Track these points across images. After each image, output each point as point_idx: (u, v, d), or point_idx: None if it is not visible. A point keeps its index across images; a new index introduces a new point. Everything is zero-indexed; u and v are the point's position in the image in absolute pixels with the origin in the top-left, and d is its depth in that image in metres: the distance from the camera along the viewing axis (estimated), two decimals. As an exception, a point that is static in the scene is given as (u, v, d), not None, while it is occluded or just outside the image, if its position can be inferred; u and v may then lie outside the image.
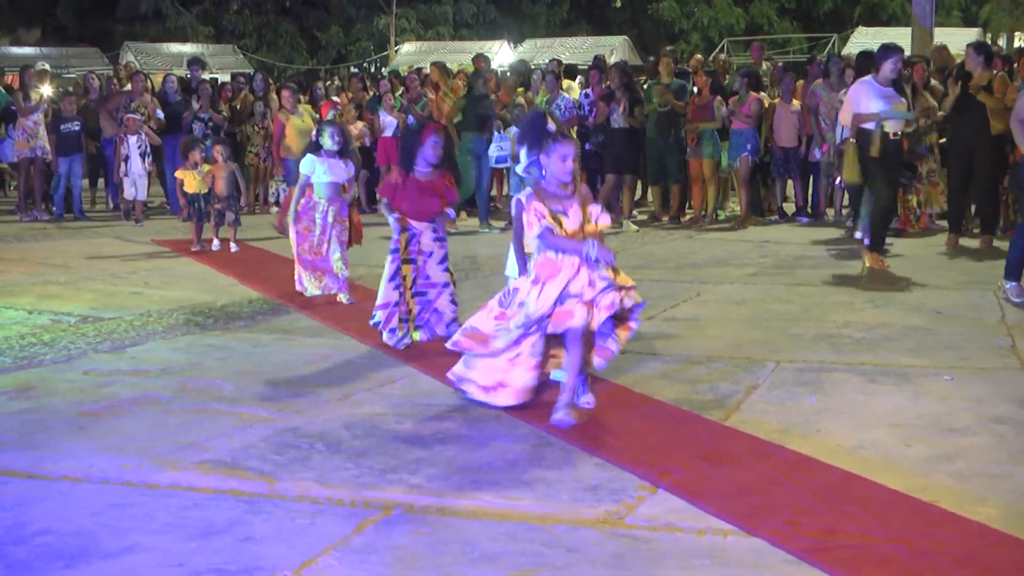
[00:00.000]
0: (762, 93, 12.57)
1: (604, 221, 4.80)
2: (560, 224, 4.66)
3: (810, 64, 13.61)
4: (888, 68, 8.77)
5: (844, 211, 12.45)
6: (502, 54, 28.50)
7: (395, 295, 6.14)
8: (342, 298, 7.60)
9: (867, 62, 10.40)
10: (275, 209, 13.96)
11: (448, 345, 5.13)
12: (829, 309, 7.32)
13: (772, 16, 36.12)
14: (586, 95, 12.96)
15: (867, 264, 8.88)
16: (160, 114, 13.37)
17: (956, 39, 19.35)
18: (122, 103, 13.33)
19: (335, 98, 14.26)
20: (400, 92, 14.43)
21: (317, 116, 13.20)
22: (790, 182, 12.98)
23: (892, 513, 3.68)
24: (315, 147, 7.63)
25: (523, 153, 4.88)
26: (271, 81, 16.23)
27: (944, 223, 10.94)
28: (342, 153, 7.62)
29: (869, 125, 8.70)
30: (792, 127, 12.34)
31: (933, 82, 11.60)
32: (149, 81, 14.16)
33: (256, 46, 34.89)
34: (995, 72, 10.27)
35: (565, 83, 13.45)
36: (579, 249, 4.59)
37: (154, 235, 11.51)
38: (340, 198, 7.69)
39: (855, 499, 3.80)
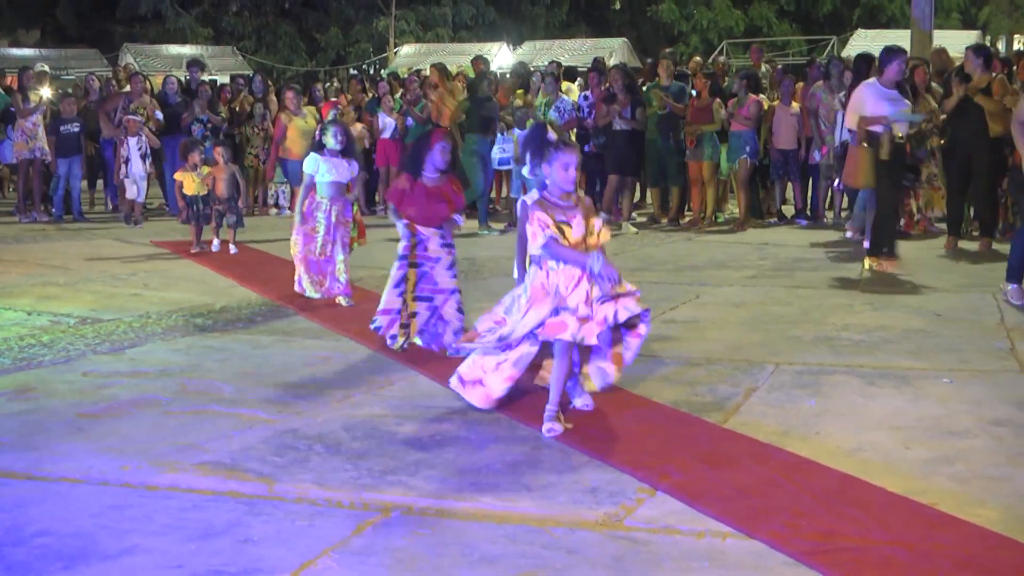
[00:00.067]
0: (761, 95, 12.58)
1: (605, 235, 4.79)
2: (564, 234, 4.65)
3: (810, 66, 13.63)
4: (893, 70, 8.75)
5: (843, 214, 12.46)
6: (501, 56, 28.53)
7: (398, 301, 6.09)
8: (342, 300, 7.59)
9: (865, 64, 10.42)
10: (274, 211, 14.02)
11: (449, 353, 5.13)
12: (828, 311, 7.32)
13: (771, 18, 36.16)
14: (585, 97, 12.98)
15: (867, 267, 8.89)
16: (159, 115, 13.37)
17: (955, 41, 19.35)
18: (120, 104, 13.33)
19: (334, 99, 14.25)
20: (399, 94, 14.45)
21: (319, 117, 13.19)
22: (789, 184, 12.99)
23: (891, 515, 3.68)
24: (318, 146, 7.61)
25: (528, 156, 4.90)
26: (270, 83, 16.22)
27: (943, 226, 10.95)
28: (345, 152, 7.60)
29: (877, 128, 8.68)
30: (791, 129, 12.35)
31: (933, 84, 11.60)
32: (148, 82, 14.15)
33: (255, 48, 34.90)
34: (994, 74, 10.28)
35: (564, 85, 13.47)
36: (583, 262, 4.58)
37: (153, 237, 11.51)
38: (343, 198, 7.65)
39: (854, 501, 3.80)
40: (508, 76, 15.27)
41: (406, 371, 5.78)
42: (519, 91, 13.71)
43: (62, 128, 13.19)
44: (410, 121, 13.61)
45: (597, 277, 4.55)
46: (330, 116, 12.15)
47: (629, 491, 3.94)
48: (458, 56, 26.32)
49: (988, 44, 23.43)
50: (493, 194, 13.93)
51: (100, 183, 14.99)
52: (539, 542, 3.49)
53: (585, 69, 15.94)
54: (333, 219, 7.57)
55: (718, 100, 12.27)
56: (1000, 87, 10.08)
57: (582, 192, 4.89)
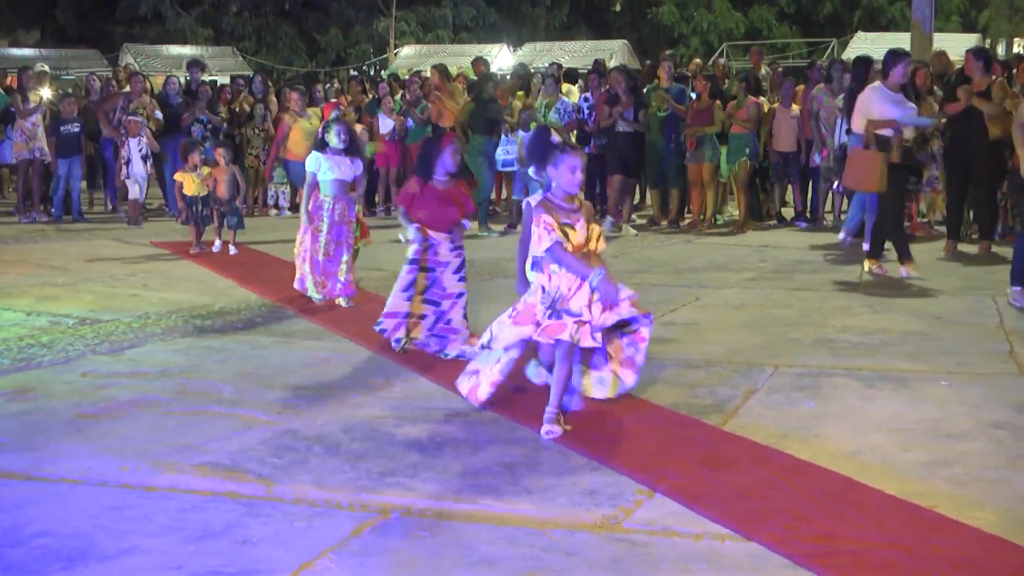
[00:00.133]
0: (761, 98, 12.59)
1: (603, 242, 4.82)
2: (568, 237, 4.65)
3: (811, 69, 13.63)
4: (897, 73, 8.75)
5: (843, 216, 12.46)
6: (501, 57, 28.53)
7: (405, 305, 6.06)
8: (341, 301, 7.58)
9: (863, 66, 10.43)
10: (273, 211, 14.02)
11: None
12: (828, 314, 7.33)
13: (771, 21, 36.19)
14: (585, 99, 12.99)
15: (867, 269, 8.89)
16: (159, 114, 13.37)
17: (955, 44, 19.37)
18: (120, 104, 13.32)
19: (335, 100, 14.26)
20: (399, 95, 14.45)
21: (323, 118, 13.17)
22: (789, 187, 12.99)
23: (890, 518, 3.68)
24: (321, 145, 7.60)
25: (533, 159, 4.90)
26: (270, 83, 16.22)
27: (943, 228, 10.95)
28: (349, 151, 7.58)
29: (887, 132, 8.67)
30: (791, 132, 12.35)
31: (935, 88, 11.61)
32: (148, 82, 14.15)
33: (255, 48, 34.89)
34: (994, 77, 10.29)
35: (564, 87, 13.47)
36: (585, 274, 4.59)
37: (153, 237, 11.50)
38: (347, 196, 7.60)
39: (853, 504, 3.80)
40: (508, 78, 15.27)
41: (406, 373, 5.77)
42: (519, 93, 13.72)
43: (62, 128, 13.19)
44: (410, 123, 13.62)
45: (595, 291, 4.58)
46: (332, 116, 12.14)
47: (628, 493, 3.95)
48: (458, 57, 26.32)
49: (988, 47, 23.44)
50: (493, 195, 13.93)
51: (100, 183, 14.97)
52: (538, 544, 3.49)
53: (585, 71, 15.95)
54: (336, 217, 7.54)
55: (718, 102, 12.27)
56: (1000, 90, 10.08)
57: (582, 195, 4.89)
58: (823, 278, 8.87)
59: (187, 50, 30.03)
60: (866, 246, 9.30)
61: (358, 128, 13.39)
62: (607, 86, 12.56)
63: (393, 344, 6.13)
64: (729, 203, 13.69)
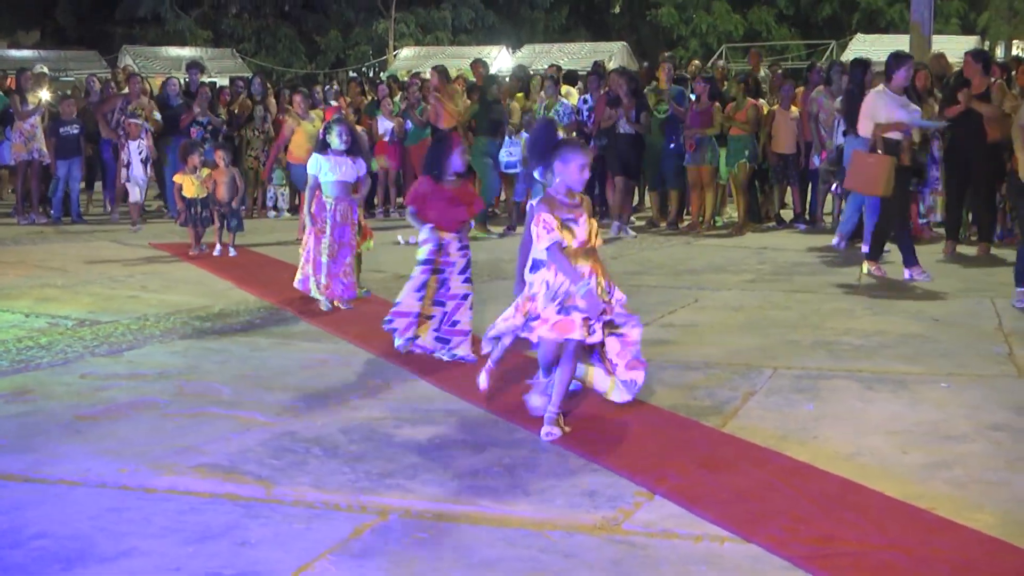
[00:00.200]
0: (760, 100, 12.59)
1: (600, 239, 4.83)
2: (572, 233, 4.64)
3: (810, 71, 13.63)
4: (901, 76, 8.75)
5: (842, 218, 12.45)
6: (500, 59, 28.50)
7: (417, 306, 6.02)
8: (340, 304, 7.56)
9: (860, 68, 10.43)
10: (272, 213, 14.00)
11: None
12: (827, 316, 7.33)
13: (770, 23, 36.19)
14: (584, 100, 12.99)
15: (866, 271, 8.89)
16: (157, 115, 13.36)
17: (954, 47, 19.38)
18: (118, 105, 13.32)
19: (333, 102, 14.23)
20: (399, 97, 14.44)
21: (324, 119, 13.15)
22: (788, 189, 12.99)
23: (889, 520, 3.68)
24: (322, 147, 7.58)
25: (537, 153, 4.89)
26: (269, 85, 16.21)
27: (942, 230, 10.95)
28: (351, 151, 7.54)
29: (896, 135, 8.66)
30: (791, 134, 12.35)
31: (935, 90, 11.61)
32: (147, 84, 14.14)
33: (255, 50, 34.88)
34: (993, 80, 10.29)
35: (564, 89, 13.48)
36: (575, 280, 4.58)
37: (152, 239, 11.50)
38: (349, 198, 7.56)
39: (852, 506, 3.80)
40: (507, 79, 15.27)
41: (404, 374, 5.77)
42: (519, 95, 13.72)
43: (61, 130, 13.18)
44: (409, 124, 13.62)
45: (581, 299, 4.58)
46: (334, 117, 12.12)
47: (627, 495, 3.94)
48: (457, 59, 26.30)
49: (987, 49, 23.44)
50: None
51: (98, 185, 14.97)
52: (537, 546, 3.49)
53: (584, 73, 15.96)
54: (339, 218, 7.51)
55: (717, 104, 12.28)
56: (999, 92, 10.09)
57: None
58: (822, 280, 8.88)
59: (186, 52, 30.01)
60: (865, 248, 9.30)
61: (358, 130, 13.46)
62: (606, 88, 12.57)
63: (400, 341, 6.06)
64: (728, 205, 13.70)
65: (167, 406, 5.13)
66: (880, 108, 8.70)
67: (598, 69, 14.62)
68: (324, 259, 7.48)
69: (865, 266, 9.03)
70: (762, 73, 15.19)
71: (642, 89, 12.65)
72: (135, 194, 12.48)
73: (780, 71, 15.12)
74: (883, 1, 34.34)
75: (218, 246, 10.19)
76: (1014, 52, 28.79)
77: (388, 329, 6.11)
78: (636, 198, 14.16)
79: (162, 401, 5.21)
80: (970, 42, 23.64)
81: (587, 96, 13.07)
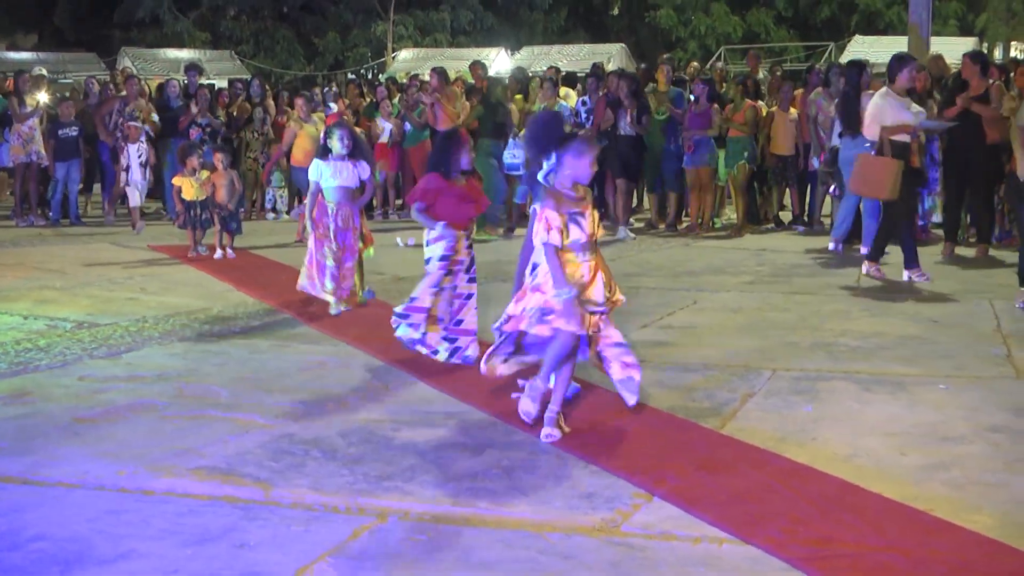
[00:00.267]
0: (759, 101, 12.60)
1: (601, 229, 4.84)
2: (579, 228, 4.63)
3: (809, 73, 13.64)
4: (904, 78, 8.75)
5: (835, 222, 12.45)
6: (499, 61, 28.51)
7: (431, 301, 5.96)
8: (338, 307, 7.52)
9: (857, 70, 10.44)
10: (271, 215, 14.01)
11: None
12: (825, 317, 7.33)
13: (769, 24, 36.21)
14: (583, 102, 12.99)
15: (865, 273, 8.89)
16: (155, 117, 13.36)
17: (952, 48, 19.40)
18: (116, 107, 13.32)
19: (332, 105, 14.23)
20: (398, 98, 14.45)
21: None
22: (787, 190, 13.00)
23: (888, 522, 3.68)
24: (323, 152, 7.54)
25: (542, 144, 4.84)
26: (268, 87, 16.22)
27: (940, 232, 10.96)
28: (353, 155, 7.50)
29: (904, 137, 8.65)
30: (789, 136, 12.37)
31: (934, 92, 11.62)
32: (145, 85, 14.14)
33: (253, 52, 34.89)
34: (991, 81, 10.30)
35: (562, 91, 13.49)
36: (559, 284, 4.55)
37: (151, 241, 11.50)
38: (351, 203, 7.52)
39: (851, 507, 3.80)
40: (508, 80, 15.28)
41: (403, 377, 5.77)
42: (518, 96, 13.73)
43: (60, 132, 13.19)
44: (408, 126, 13.62)
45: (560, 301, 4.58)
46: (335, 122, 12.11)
47: (625, 496, 3.94)
48: (456, 61, 26.32)
49: (985, 51, 23.47)
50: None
51: (97, 187, 14.97)
52: (535, 547, 3.49)
53: (583, 75, 15.96)
54: (340, 223, 7.49)
55: (716, 106, 12.29)
56: (997, 94, 10.09)
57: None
58: (821, 282, 8.88)
59: (185, 54, 30.02)
60: (864, 249, 9.30)
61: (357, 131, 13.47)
62: (605, 90, 12.57)
63: (408, 330, 5.98)
64: (727, 207, 13.71)
65: (166, 408, 5.13)
66: (886, 110, 8.68)
67: (597, 71, 14.63)
68: (329, 263, 7.46)
69: (864, 267, 9.03)
70: (761, 75, 15.19)
71: (642, 90, 12.66)
72: (134, 198, 12.38)
73: (779, 73, 15.12)
74: (882, 3, 34.37)
75: (218, 249, 10.18)
76: (1012, 53, 28.86)
77: (399, 316, 5.97)
78: (635, 200, 14.16)
79: (161, 403, 5.21)
80: (968, 43, 23.66)
81: (586, 98, 13.07)
